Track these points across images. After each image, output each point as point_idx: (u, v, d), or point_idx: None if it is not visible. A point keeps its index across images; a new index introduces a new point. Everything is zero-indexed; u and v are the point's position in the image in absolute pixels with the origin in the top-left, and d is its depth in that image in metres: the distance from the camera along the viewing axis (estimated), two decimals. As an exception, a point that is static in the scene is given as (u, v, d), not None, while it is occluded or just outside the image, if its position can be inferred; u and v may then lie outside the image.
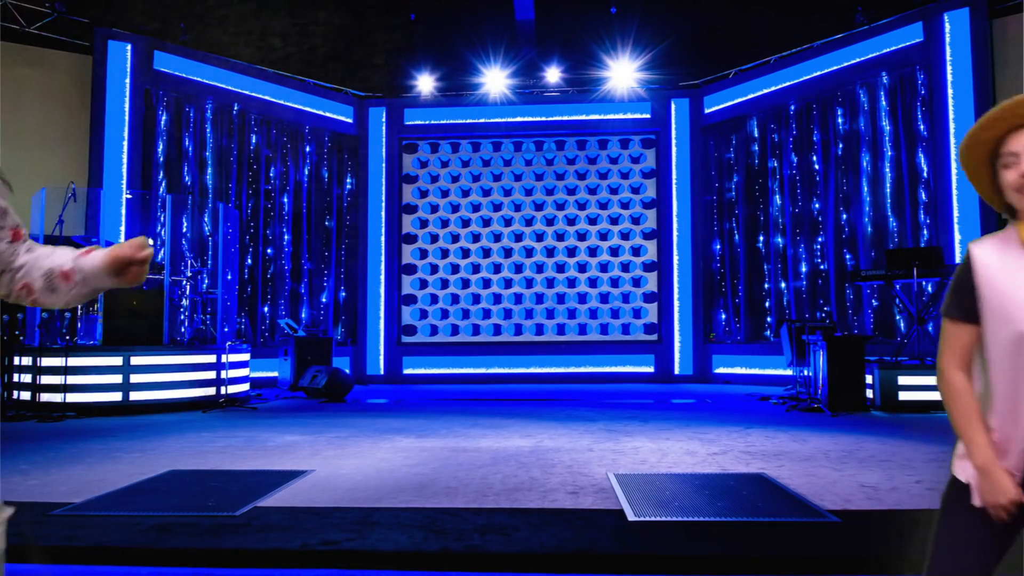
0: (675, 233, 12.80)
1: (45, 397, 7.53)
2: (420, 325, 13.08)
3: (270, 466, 4.65)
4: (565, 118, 13.11)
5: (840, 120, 11.21)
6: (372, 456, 5.06)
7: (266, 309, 12.33)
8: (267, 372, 11.39)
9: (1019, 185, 1.45)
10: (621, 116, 12.97)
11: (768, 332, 11.98)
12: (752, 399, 9.23)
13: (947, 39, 9.81)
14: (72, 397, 7.46)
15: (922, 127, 10.24)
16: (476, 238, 13.17)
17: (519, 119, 13.08)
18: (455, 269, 13.13)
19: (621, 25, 11.89)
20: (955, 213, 9.57)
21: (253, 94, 12.09)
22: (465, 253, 13.15)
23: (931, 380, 7.63)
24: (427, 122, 13.15)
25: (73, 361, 7.48)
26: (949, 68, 9.77)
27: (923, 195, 10.23)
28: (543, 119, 13.15)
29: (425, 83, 12.81)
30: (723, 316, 12.67)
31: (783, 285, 11.79)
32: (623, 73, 12.49)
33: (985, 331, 1.46)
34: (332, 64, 12.63)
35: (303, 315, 12.58)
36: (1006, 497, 1.41)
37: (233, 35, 11.92)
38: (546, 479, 4.21)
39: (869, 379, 7.79)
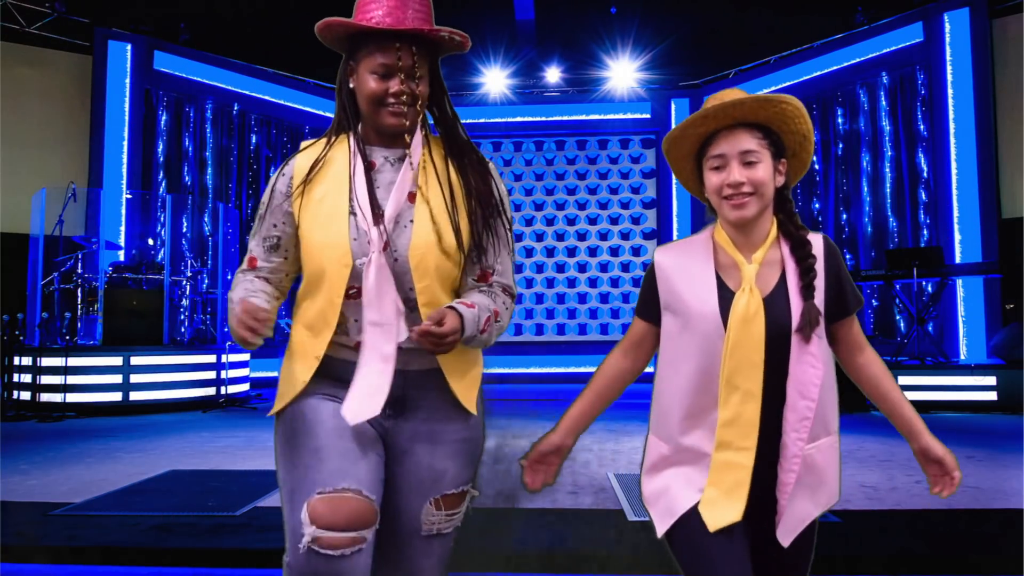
0: (675, 233, 12.79)
1: (45, 397, 7.53)
2: (420, 325, 13.06)
3: (270, 466, 4.63)
4: (565, 118, 13.10)
5: (840, 120, 11.21)
6: (372, 456, 5.05)
7: (266, 309, 12.30)
8: (267, 372, 11.38)
9: (724, 192, 1.39)
10: (621, 116, 12.96)
11: (768, 332, 11.97)
12: (752, 399, 9.22)
13: (947, 39, 9.80)
14: (72, 397, 7.46)
15: (922, 127, 10.24)
16: (476, 238, 13.16)
17: (519, 119, 13.07)
18: (455, 269, 13.11)
19: (621, 25, 11.88)
20: (955, 213, 9.56)
21: (253, 94, 12.08)
22: (465, 253, 13.14)
23: (931, 380, 7.64)
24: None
25: (73, 361, 7.48)
26: (949, 68, 9.76)
27: (923, 195, 10.23)
28: (543, 119, 13.14)
29: (425, 83, 12.79)
30: (723, 316, 12.66)
31: (783, 285, 11.79)
32: (623, 73, 12.49)
33: (666, 337, 1.46)
34: (332, 64, 12.62)
35: (303, 315, 12.57)
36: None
37: (234, 35, 11.90)
38: (546, 479, 4.21)
39: (869, 379, 7.78)
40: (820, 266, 1.40)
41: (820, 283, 1.39)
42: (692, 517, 1.37)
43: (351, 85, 1.49)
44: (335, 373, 1.43)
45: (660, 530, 1.41)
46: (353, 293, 1.41)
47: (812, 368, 1.36)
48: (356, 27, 1.41)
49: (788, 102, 1.39)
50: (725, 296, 1.38)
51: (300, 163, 1.49)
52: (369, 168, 1.46)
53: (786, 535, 1.36)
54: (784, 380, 1.36)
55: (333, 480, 1.31)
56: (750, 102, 1.38)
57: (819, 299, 1.38)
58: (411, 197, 1.43)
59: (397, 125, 1.42)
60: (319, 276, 1.43)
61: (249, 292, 1.46)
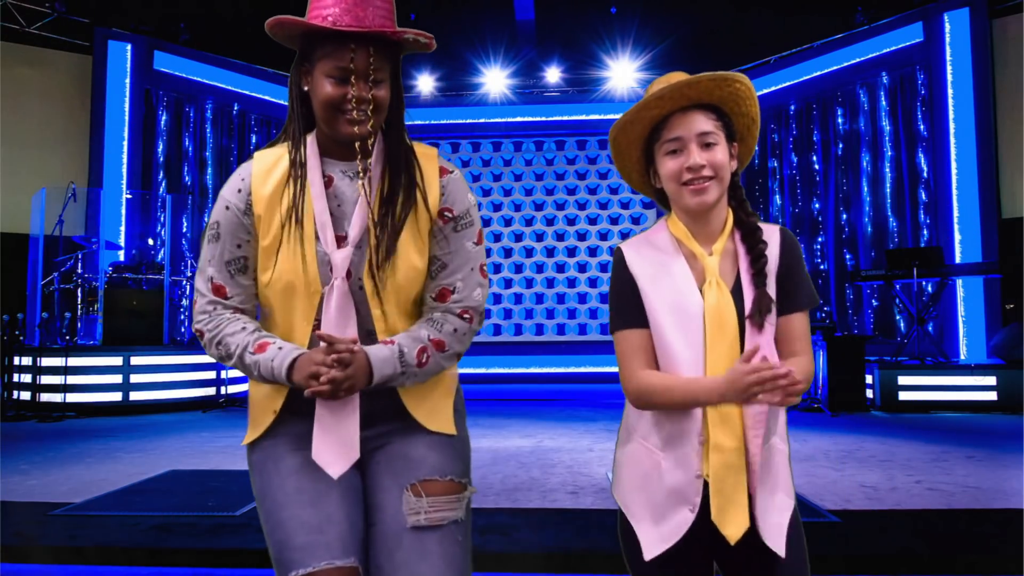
0: (675, 233, 12.79)
1: (45, 397, 7.53)
2: (420, 325, 13.05)
3: (270, 466, 4.64)
4: (565, 118, 13.10)
5: (840, 120, 11.21)
6: (372, 456, 5.05)
7: (266, 309, 12.31)
8: (267, 372, 11.38)
9: (683, 177, 1.33)
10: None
11: (768, 332, 11.96)
12: (752, 399, 9.21)
13: (947, 39, 9.80)
14: (72, 397, 7.46)
15: (922, 127, 10.24)
16: (476, 238, 13.15)
17: (519, 119, 13.07)
18: (455, 269, 13.10)
19: (621, 25, 11.87)
20: (955, 213, 9.56)
21: (253, 94, 12.08)
22: (465, 253, 13.13)
23: (931, 380, 7.64)
24: (427, 122, 13.14)
25: (73, 361, 7.48)
26: (949, 68, 9.76)
27: (923, 195, 10.22)
28: (543, 119, 13.14)
29: (425, 83, 12.80)
30: (723, 316, 12.65)
31: (783, 285, 11.78)
32: (623, 73, 12.49)
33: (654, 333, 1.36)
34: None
35: (303, 315, 12.56)
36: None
37: (234, 35, 11.90)
38: (546, 479, 4.21)
39: (869, 379, 7.79)
40: (774, 255, 1.36)
41: (772, 272, 1.35)
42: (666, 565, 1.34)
43: (305, 88, 1.35)
44: (303, 407, 1.34)
45: (648, 554, 1.34)
46: (315, 324, 1.34)
47: (765, 358, 1.30)
48: (313, 27, 1.29)
49: (741, 81, 1.35)
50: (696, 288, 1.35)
51: (257, 175, 1.37)
52: (327, 184, 1.36)
53: (774, 539, 1.30)
54: None
55: (304, 559, 1.25)
56: (706, 80, 1.32)
57: (770, 289, 1.34)
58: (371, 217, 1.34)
59: (355, 133, 1.31)
60: (285, 304, 1.34)
61: (262, 337, 1.33)
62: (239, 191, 1.37)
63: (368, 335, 1.35)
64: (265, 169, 1.37)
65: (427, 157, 1.41)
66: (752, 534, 1.30)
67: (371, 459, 1.40)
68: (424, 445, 1.39)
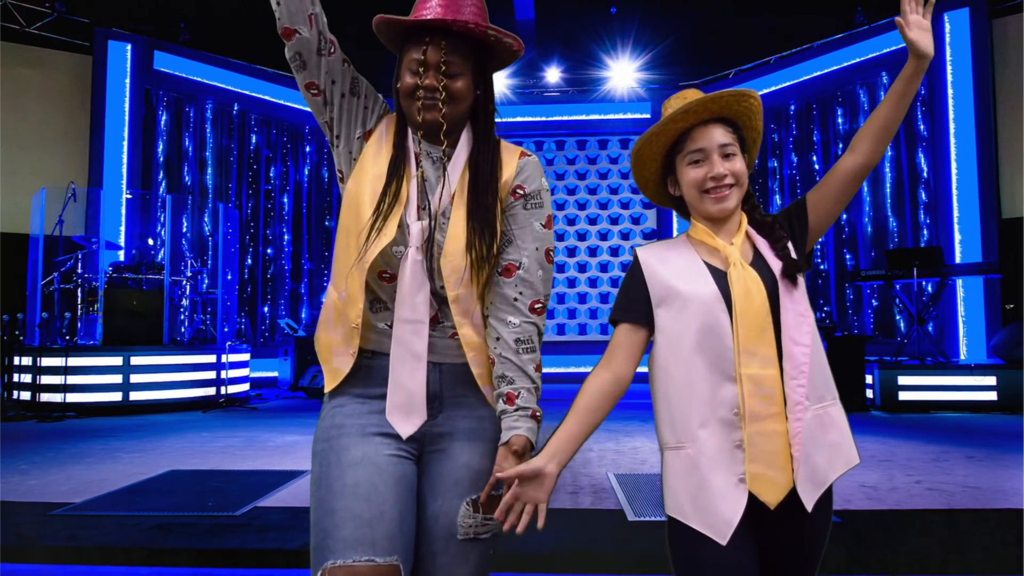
0: (675, 233, 12.77)
1: (45, 397, 7.53)
2: (420, 325, 13.03)
3: (270, 466, 4.65)
4: (565, 118, 13.10)
5: (840, 120, 11.21)
6: (372, 456, 5.04)
7: (266, 309, 12.32)
8: (267, 372, 11.39)
9: (706, 185, 1.42)
10: (621, 116, 12.96)
11: (768, 332, 11.96)
12: (752, 399, 9.21)
13: (947, 39, 9.80)
14: (72, 397, 7.46)
15: (922, 127, 10.24)
16: (476, 238, 13.14)
17: (519, 119, 13.06)
18: (455, 269, 13.10)
19: (621, 25, 11.87)
20: (955, 213, 9.56)
21: (253, 94, 12.08)
22: (465, 253, 13.13)
23: (931, 380, 7.64)
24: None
25: (73, 361, 7.48)
26: (949, 68, 9.76)
27: (923, 195, 10.23)
28: (543, 119, 13.14)
29: (425, 83, 12.78)
30: (723, 316, 12.66)
31: (783, 285, 11.79)
32: (623, 73, 12.49)
33: (661, 333, 1.43)
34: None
35: (303, 315, 12.58)
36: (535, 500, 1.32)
37: (234, 35, 11.89)
38: (546, 479, 4.20)
39: (869, 379, 7.79)
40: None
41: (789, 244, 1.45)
42: (706, 548, 1.34)
43: (397, 85, 1.46)
44: (382, 377, 1.40)
45: (723, 539, 1.34)
46: (387, 277, 1.39)
47: (800, 316, 1.38)
48: (394, 22, 1.41)
49: (755, 97, 1.46)
50: (716, 275, 1.41)
51: (386, 121, 1.48)
52: (416, 162, 1.46)
53: (807, 493, 1.33)
54: (779, 338, 1.37)
55: (346, 551, 1.28)
56: (727, 96, 1.42)
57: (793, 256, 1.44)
58: (451, 199, 1.41)
59: (427, 121, 1.39)
60: (356, 240, 1.38)
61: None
62: (385, 111, 1.49)
63: (439, 297, 1.40)
64: (388, 124, 1.48)
65: (509, 149, 1.49)
66: (790, 495, 1.33)
67: (432, 458, 1.43)
68: (487, 453, 1.42)
